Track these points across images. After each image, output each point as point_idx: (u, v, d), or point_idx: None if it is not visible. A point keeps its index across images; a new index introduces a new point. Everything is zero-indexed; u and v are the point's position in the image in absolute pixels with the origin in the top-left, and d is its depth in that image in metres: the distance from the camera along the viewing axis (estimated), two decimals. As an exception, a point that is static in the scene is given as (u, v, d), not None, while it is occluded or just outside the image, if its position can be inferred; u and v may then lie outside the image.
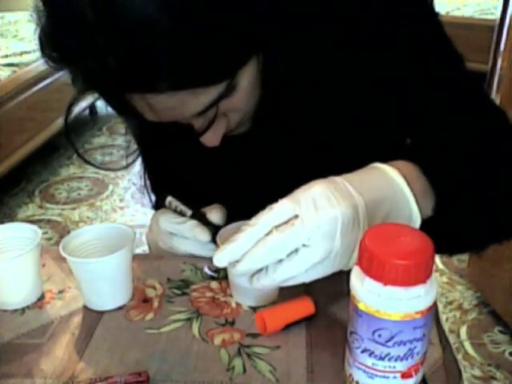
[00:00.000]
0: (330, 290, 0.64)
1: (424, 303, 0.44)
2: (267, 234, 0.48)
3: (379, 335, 0.45)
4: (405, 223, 0.52)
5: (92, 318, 0.63)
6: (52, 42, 0.50)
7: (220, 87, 0.52)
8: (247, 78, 0.55)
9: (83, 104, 3.00)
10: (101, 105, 3.61)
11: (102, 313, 0.64)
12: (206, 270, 0.70)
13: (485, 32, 2.40)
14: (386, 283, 0.43)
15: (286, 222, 0.48)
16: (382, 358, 0.46)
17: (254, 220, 0.49)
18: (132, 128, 0.71)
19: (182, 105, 0.52)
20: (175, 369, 0.55)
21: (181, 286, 0.68)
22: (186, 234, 0.68)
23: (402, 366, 0.46)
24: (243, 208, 0.59)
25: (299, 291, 0.61)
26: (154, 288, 0.68)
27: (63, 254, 0.61)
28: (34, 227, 0.66)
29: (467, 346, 1.66)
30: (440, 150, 0.58)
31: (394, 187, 0.52)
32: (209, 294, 0.66)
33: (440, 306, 1.81)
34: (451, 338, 1.65)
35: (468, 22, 3.23)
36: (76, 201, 2.56)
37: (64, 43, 0.49)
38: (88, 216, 2.43)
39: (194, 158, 0.72)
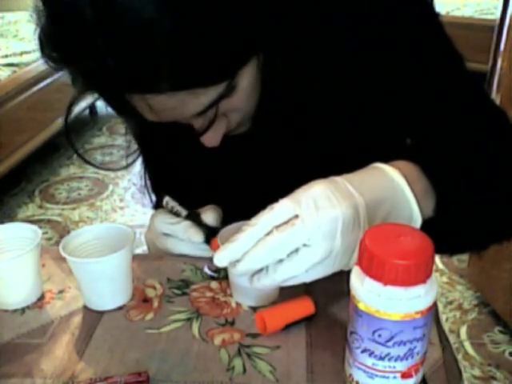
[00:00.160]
0: (330, 290, 0.64)
1: (424, 303, 0.44)
2: (267, 234, 0.48)
3: (379, 335, 0.45)
4: (405, 223, 0.52)
5: (92, 317, 0.63)
6: (52, 42, 0.50)
7: (220, 87, 0.52)
8: (247, 79, 0.55)
9: (83, 104, 3.00)
10: (101, 105, 3.60)
11: (101, 313, 0.64)
12: (206, 270, 0.70)
13: (485, 32, 2.40)
14: (385, 283, 0.43)
15: (286, 222, 0.48)
16: (382, 358, 0.46)
17: (254, 220, 0.49)
18: (132, 128, 0.71)
19: (182, 105, 0.52)
20: (175, 369, 0.55)
21: (181, 286, 0.68)
22: (179, 235, 0.68)
23: (402, 366, 0.46)
24: (243, 208, 0.59)
25: (299, 291, 0.61)
26: (154, 288, 0.68)
27: (63, 254, 0.61)
28: (34, 227, 0.66)
29: (467, 346, 1.66)
30: (440, 150, 0.58)
31: (394, 187, 0.52)
32: (209, 294, 0.66)
33: (440, 306, 1.81)
34: (451, 338, 1.65)
35: (468, 22, 3.23)
36: (76, 201, 2.56)
37: (64, 43, 0.49)
38: (88, 216, 2.43)
39: (194, 158, 0.72)
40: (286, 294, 0.61)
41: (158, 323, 0.62)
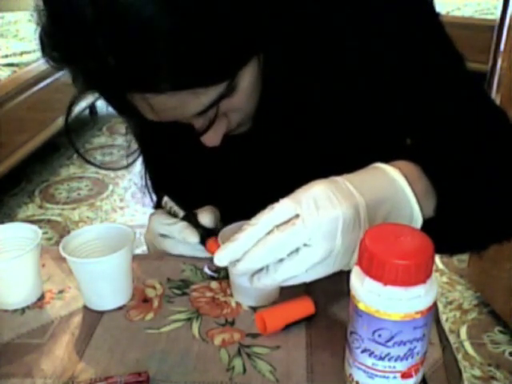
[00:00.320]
0: (330, 290, 0.64)
1: (424, 303, 0.44)
2: (268, 234, 0.48)
3: (379, 335, 0.45)
4: (406, 223, 0.52)
5: (92, 317, 0.63)
6: (52, 41, 0.50)
7: (220, 87, 0.52)
8: (248, 79, 0.55)
9: (83, 104, 3.01)
10: (101, 105, 3.60)
11: (101, 313, 0.64)
12: (206, 270, 0.70)
13: (485, 32, 2.41)
14: (385, 283, 0.43)
15: (286, 222, 0.48)
16: (382, 358, 0.46)
17: (254, 219, 0.49)
18: (132, 128, 0.71)
19: (183, 105, 0.52)
20: (175, 369, 0.55)
21: (181, 286, 0.68)
22: (175, 236, 0.68)
23: (402, 366, 0.46)
24: (243, 208, 0.59)
25: (299, 291, 0.61)
26: (154, 288, 0.68)
27: (63, 254, 0.61)
28: (34, 227, 0.66)
29: (467, 346, 1.66)
30: (441, 150, 0.58)
31: (395, 187, 0.52)
32: (209, 294, 0.66)
33: (440, 306, 1.81)
34: (451, 338, 1.65)
35: (468, 22, 3.23)
36: (76, 201, 2.56)
37: (64, 43, 0.49)
38: (88, 216, 2.43)
39: (195, 158, 0.72)
40: (286, 294, 0.61)
41: (158, 323, 0.62)
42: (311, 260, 0.47)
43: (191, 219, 0.68)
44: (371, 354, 0.46)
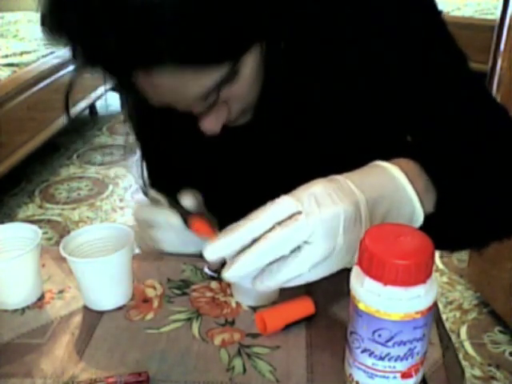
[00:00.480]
0: (330, 290, 0.64)
1: (424, 303, 0.44)
2: (269, 231, 0.47)
3: (379, 335, 0.45)
4: (407, 220, 0.52)
5: (92, 317, 0.63)
6: (52, 17, 0.49)
7: (222, 70, 0.52)
8: (250, 65, 0.54)
9: (83, 104, 3.01)
10: (101, 105, 3.61)
11: (101, 313, 0.64)
12: (206, 270, 0.70)
13: (485, 32, 2.40)
14: (385, 283, 0.43)
15: (287, 219, 0.47)
16: (382, 358, 0.46)
17: (253, 214, 0.47)
18: (131, 115, 0.70)
19: (185, 86, 0.52)
20: (175, 369, 0.55)
21: (181, 286, 0.68)
22: (159, 220, 0.67)
23: (402, 366, 0.46)
24: (242, 209, 0.58)
25: (299, 291, 0.61)
26: (154, 288, 0.68)
27: (63, 254, 0.61)
28: (34, 227, 0.66)
29: (467, 346, 1.66)
30: (441, 148, 0.58)
31: (395, 184, 0.52)
32: (209, 294, 0.66)
33: (440, 306, 1.81)
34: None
35: (468, 21, 3.23)
36: (76, 201, 2.56)
37: (64, 19, 0.47)
38: (88, 216, 2.43)
39: (194, 152, 0.72)
40: (286, 294, 0.61)
41: (158, 323, 0.62)
42: (314, 257, 0.47)
43: (173, 203, 0.67)
44: (371, 354, 0.46)
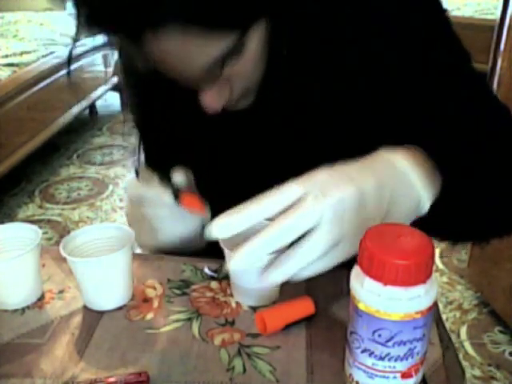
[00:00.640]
0: (330, 290, 0.64)
1: (424, 303, 0.44)
2: (275, 216, 0.46)
3: (379, 335, 0.45)
4: (413, 207, 0.51)
5: (92, 317, 0.63)
6: None
7: (229, 41, 0.51)
8: (255, 42, 0.54)
9: (83, 104, 3.01)
10: (101, 105, 3.61)
11: (101, 313, 0.64)
12: (206, 270, 0.70)
13: (485, 32, 2.40)
14: (386, 283, 0.43)
15: (294, 205, 0.46)
16: (382, 358, 0.46)
17: (258, 199, 0.47)
18: (133, 91, 0.70)
19: (191, 54, 0.51)
20: (175, 369, 0.55)
21: (181, 286, 0.68)
22: (151, 197, 0.67)
23: (402, 366, 0.46)
24: (235, 195, 0.58)
25: (299, 291, 0.61)
26: (154, 288, 0.68)
27: (63, 254, 0.61)
28: (34, 227, 0.66)
29: (467, 346, 1.66)
30: (441, 148, 0.58)
31: (399, 171, 0.52)
32: (209, 294, 0.66)
33: (440, 306, 1.81)
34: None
35: (468, 22, 3.22)
36: (76, 201, 2.57)
37: None
38: (88, 216, 2.43)
39: (193, 132, 0.72)
40: (286, 294, 0.61)
41: (158, 323, 0.62)
42: (324, 243, 0.46)
43: (164, 180, 0.67)
44: (371, 354, 0.46)
